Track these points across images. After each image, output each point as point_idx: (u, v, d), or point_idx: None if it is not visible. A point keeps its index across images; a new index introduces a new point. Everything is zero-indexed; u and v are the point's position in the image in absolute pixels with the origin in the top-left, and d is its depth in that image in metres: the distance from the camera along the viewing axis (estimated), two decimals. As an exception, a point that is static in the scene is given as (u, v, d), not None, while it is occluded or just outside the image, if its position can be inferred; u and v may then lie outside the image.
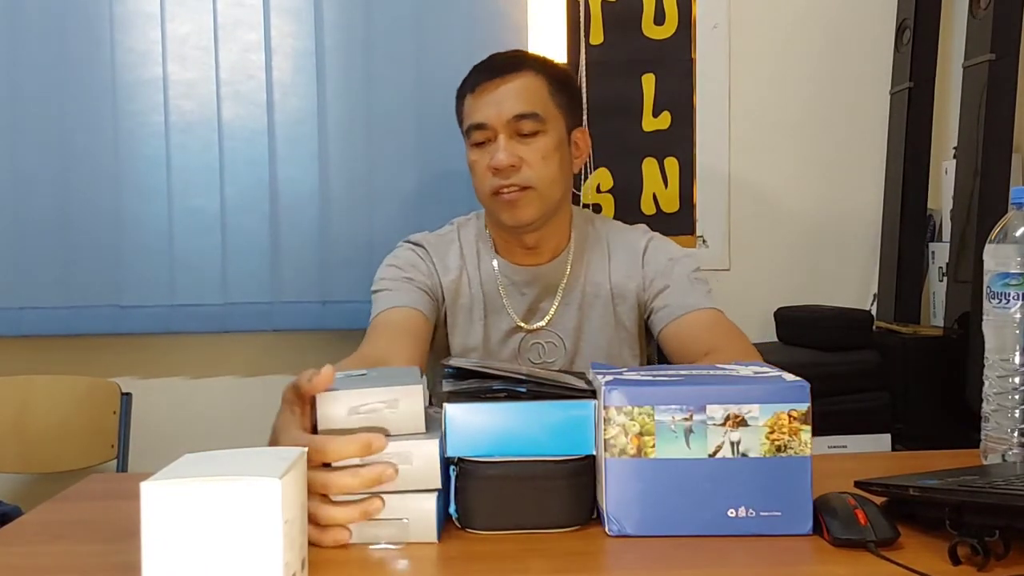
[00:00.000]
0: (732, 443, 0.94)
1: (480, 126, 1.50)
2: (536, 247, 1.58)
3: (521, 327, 1.58)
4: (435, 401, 1.04)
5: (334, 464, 0.90)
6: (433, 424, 0.99)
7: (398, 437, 0.94)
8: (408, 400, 0.96)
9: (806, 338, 2.28)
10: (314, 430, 0.94)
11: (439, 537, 0.96)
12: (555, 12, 2.45)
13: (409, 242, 1.64)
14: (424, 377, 1.08)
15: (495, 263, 1.60)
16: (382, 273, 1.60)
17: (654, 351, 1.73)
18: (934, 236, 2.51)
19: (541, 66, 1.54)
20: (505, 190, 1.48)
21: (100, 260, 2.26)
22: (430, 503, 0.95)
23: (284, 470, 0.73)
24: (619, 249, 1.61)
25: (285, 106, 2.30)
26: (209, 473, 0.76)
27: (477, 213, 1.67)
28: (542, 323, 1.58)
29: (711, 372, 1.04)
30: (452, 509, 0.97)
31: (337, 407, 0.95)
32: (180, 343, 2.34)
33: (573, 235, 1.61)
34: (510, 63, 1.53)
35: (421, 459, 0.94)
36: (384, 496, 0.93)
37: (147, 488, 0.71)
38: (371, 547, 0.94)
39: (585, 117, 2.43)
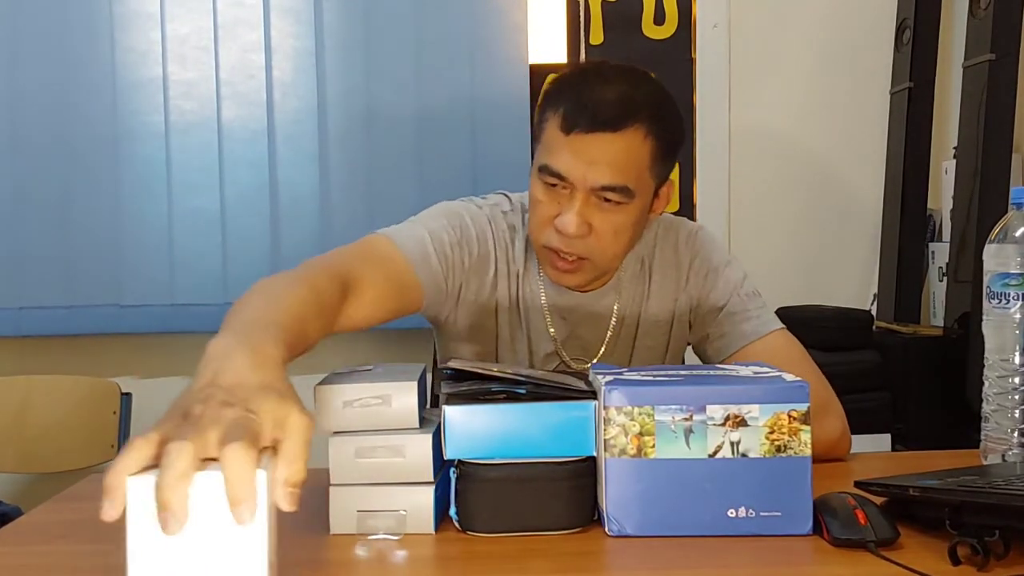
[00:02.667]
0: (732, 443, 0.94)
1: (559, 176, 1.24)
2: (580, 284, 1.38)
3: (560, 356, 1.39)
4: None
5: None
6: (427, 422, 1.00)
7: (392, 431, 0.97)
8: (401, 397, 0.97)
9: (806, 338, 2.23)
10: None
11: (436, 528, 0.97)
12: (555, 12, 2.45)
13: (482, 212, 1.39)
14: (427, 376, 1.09)
15: (542, 278, 1.38)
16: (433, 220, 1.35)
17: None
18: (934, 236, 2.51)
19: (653, 121, 1.24)
20: (562, 255, 1.28)
21: (100, 260, 2.27)
22: (426, 496, 0.96)
23: (266, 463, 0.73)
24: (658, 266, 1.41)
25: (285, 106, 2.30)
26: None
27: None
28: (588, 359, 1.40)
29: (711, 372, 1.04)
30: (452, 511, 0.97)
31: (333, 401, 0.97)
32: (180, 343, 2.34)
33: (625, 262, 1.40)
34: (618, 113, 1.22)
35: (414, 453, 0.96)
36: (382, 488, 0.96)
37: (133, 483, 0.70)
38: (370, 537, 0.95)
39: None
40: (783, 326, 1.38)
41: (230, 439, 0.69)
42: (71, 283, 2.26)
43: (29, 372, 2.18)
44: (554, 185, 1.26)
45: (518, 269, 1.39)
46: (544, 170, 1.26)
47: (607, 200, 1.24)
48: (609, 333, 1.40)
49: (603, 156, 1.22)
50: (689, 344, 1.46)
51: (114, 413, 2.12)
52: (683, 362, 1.51)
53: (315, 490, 1.05)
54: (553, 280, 1.34)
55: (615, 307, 1.40)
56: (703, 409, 0.94)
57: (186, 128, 2.28)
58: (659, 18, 2.46)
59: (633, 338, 1.42)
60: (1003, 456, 1.12)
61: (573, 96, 1.24)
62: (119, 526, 0.63)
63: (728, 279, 1.39)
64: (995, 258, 1.12)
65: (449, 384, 1.04)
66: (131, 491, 0.70)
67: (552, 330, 1.39)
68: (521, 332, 1.39)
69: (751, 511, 0.94)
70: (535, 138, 1.32)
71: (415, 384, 0.99)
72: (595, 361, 1.40)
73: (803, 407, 0.94)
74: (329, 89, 2.31)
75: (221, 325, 0.90)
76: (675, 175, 1.37)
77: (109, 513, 0.68)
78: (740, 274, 1.40)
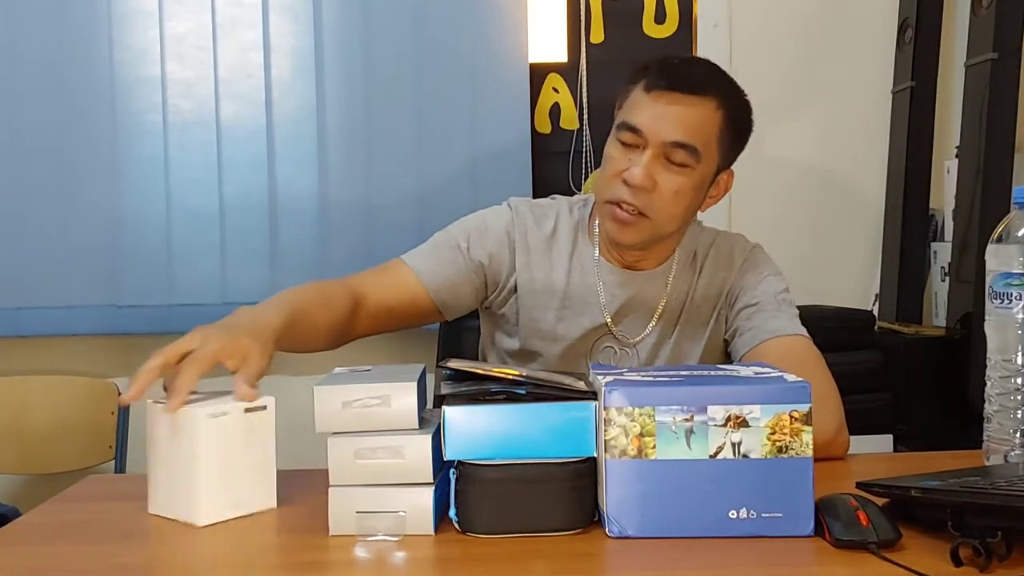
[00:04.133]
0: (733, 444, 0.93)
1: (634, 129, 1.36)
2: (635, 261, 1.48)
3: (609, 329, 1.48)
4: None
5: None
6: (427, 422, 1.00)
7: (391, 432, 0.97)
8: (400, 398, 0.98)
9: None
10: None
11: (436, 529, 0.96)
12: (555, 11, 2.45)
13: (508, 205, 1.52)
14: (427, 377, 1.09)
15: (594, 257, 1.49)
16: (458, 227, 1.49)
17: None
18: (936, 236, 2.50)
19: (727, 98, 1.41)
20: (623, 206, 1.37)
21: (98, 260, 2.26)
22: (426, 497, 0.96)
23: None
24: (709, 265, 1.51)
25: (284, 105, 2.30)
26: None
27: (584, 199, 1.55)
28: (632, 337, 1.49)
29: (712, 373, 1.04)
30: (452, 513, 0.97)
31: (332, 401, 0.98)
32: (179, 343, 2.34)
33: (677, 252, 1.50)
34: (697, 80, 1.38)
35: (413, 454, 0.96)
36: (381, 489, 0.96)
37: (152, 406, 1.07)
38: (369, 538, 0.95)
39: (586, 117, 2.42)
40: (808, 336, 1.45)
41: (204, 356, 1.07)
42: (69, 283, 2.26)
43: (27, 372, 2.18)
44: (627, 144, 1.37)
45: (568, 249, 1.50)
46: (622, 127, 1.38)
47: (673, 162, 1.36)
48: (655, 317, 1.49)
49: (678, 114, 1.36)
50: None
51: (112, 413, 2.12)
52: (723, 360, 1.57)
53: (315, 490, 1.04)
54: (610, 234, 1.42)
55: (665, 292, 1.49)
56: (704, 410, 0.93)
57: (184, 127, 2.28)
58: (660, 17, 2.45)
59: (675, 325, 1.50)
60: (1005, 457, 1.11)
61: (660, 65, 1.40)
62: (117, 527, 0.63)
63: (769, 283, 1.50)
64: (997, 258, 1.11)
65: (449, 384, 1.03)
66: (150, 412, 1.07)
67: (604, 303, 1.48)
68: (568, 307, 1.48)
69: (752, 512, 0.93)
70: (617, 105, 1.44)
71: (414, 385, 0.99)
72: (636, 344, 1.49)
73: (804, 408, 0.93)
74: (328, 88, 2.31)
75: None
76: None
77: (128, 394, 1.05)
78: (782, 285, 1.52)
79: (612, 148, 1.40)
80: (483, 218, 1.50)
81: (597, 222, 1.49)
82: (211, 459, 1.02)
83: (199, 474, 1.02)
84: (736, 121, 1.42)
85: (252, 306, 1.24)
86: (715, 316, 1.50)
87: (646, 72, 1.40)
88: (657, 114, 1.36)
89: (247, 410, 1.06)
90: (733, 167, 1.50)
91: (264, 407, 1.08)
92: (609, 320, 1.48)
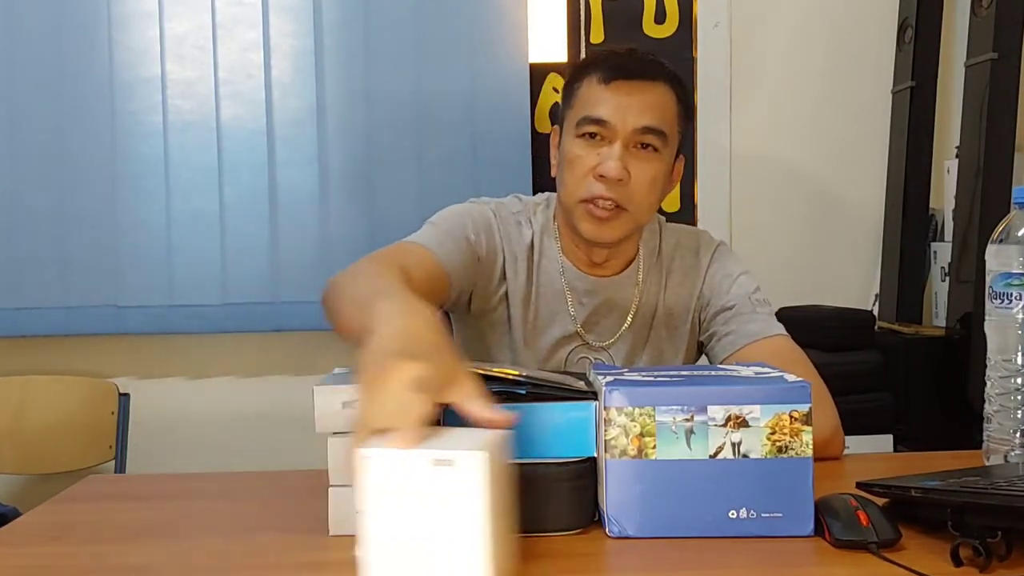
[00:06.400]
0: (733, 444, 0.93)
1: (601, 122, 1.34)
2: (604, 262, 1.46)
3: (581, 338, 1.46)
4: None
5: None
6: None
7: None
8: None
9: (807, 338, 2.24)
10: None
11: None
12: (555, 11, 2.45)
13: (486, 205, 1.47)
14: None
15: (560, 263, 1.46)
16: (461, 217, 1.42)
17: None
18: (936, 236, 2.50)
19: (674, 81, 1.40)
20: (601, 202, 1.34)
21: (98, 260, 2.26)
22: None
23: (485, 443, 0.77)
24: (677, 266, 1.50)
25: (284, 106, 2.30)
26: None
27: (546, 199, 1.51)
28: (604, 342, 1.46)
29: (712, 373, 1.04)
30: (451, 511, 0.96)
31: (331, 402, 0.96)
32: (178, 343, 2.34)
33: (641, 250, 1.48)
34: (650, 68, 1.38)
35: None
36: None
37: (371, 454, 0.77)
38: None
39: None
40: (787, 333, 1.45)
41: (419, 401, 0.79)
42: (69, 283, 2.26)
43: (27, 373, 2.18)
44: (593, 136, 1.35)
45: (534, 256, 1.46)
46: (585, 121, 1.35)
47: (644, 147, 1.35)
48: (627, 321, 1.47)
49: (644, 100, 1.35)
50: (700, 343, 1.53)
51: (112, 413, 2.12)
52: (695, 362, 1.57)
53: (314, 491, 1.04)
54: (588, 235, 1.39)
55: (635, 296, 1.47)
56: (704, 410, 0.93)
57: (184, 127, 2.28)
58: (660, 17, 2.45)
59: (649, 328, 1.49)
60: (1005, 457, 1.11)
61: (609, 57, 1.39)
62: (117, 528, 0.63)
63: (742, 284, 1.47)
64: (997, 258, 1.11)
65: (448, 384, 1.03)
66: (370, 462, 0.77)
67: (573, 311, 1.45)
68: (538, 317, 1.46)
69: (752, 512, 0.93)
70: (566, 105, 1.42)
71: None
72: (608, 347, 1.47)
73: (804, 408, 0.93)
74: (328, 88, 2.31)
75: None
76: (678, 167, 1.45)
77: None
78: (754, 284, 1.49)
79: (575, 147, 1.37)
80: (482, 215, 1.44)
81: (558, 225, 1.46)
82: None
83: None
84: (684, 102, 1.41)
85: (389, 309, 0.94)
86: (690, 319, 1.49)
87: (595, 67, 1.38)
88: (622, 104, 1.34)
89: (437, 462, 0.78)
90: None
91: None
92: (580, 328, 1.45)
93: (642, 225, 1.42)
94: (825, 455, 1.23)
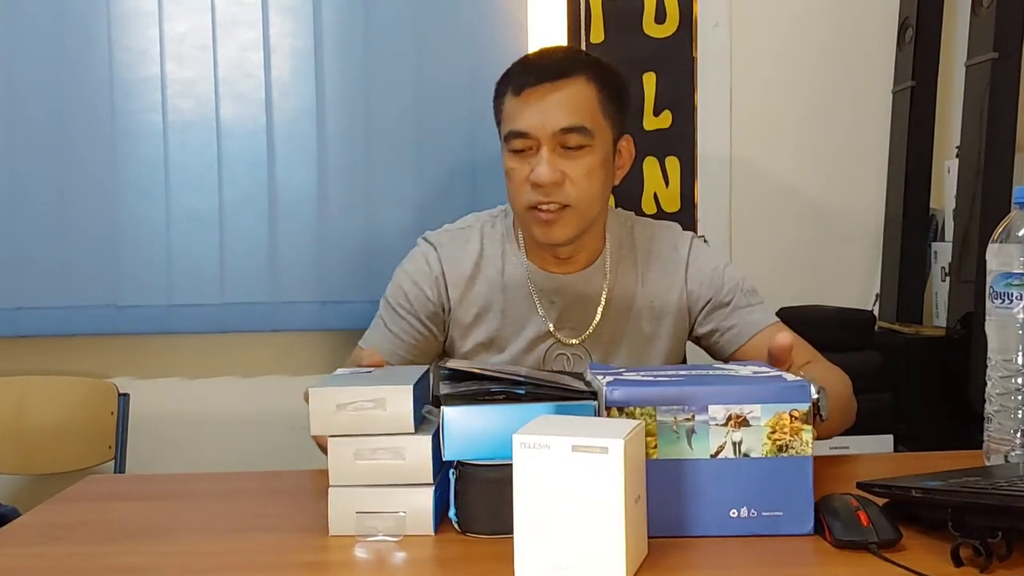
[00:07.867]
0: (734, 443, 0.93)
1: (522, 134, 1.38)
2: (570, 258, 1.48)
3: (555, 336, 1.48)
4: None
5: None
6: (428, 422, 1.00)
7: (391, 434, 0.96)
8: (396, 400, 0.97)
9: (808, 339, 2.26)
10: None
11: (436, 530, 0.97)
12: (555, 11, 2.45)
13: (427, 241, 1.54)
14: (429, 377, 1.08)
15: (525, 267, 1.49)
16: (391, 292, 1.51)
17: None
18: (936, 236, 2.50)
19: (593, 71, 1.41)
20: (543, 206, 1.38)
21: (97, 260, 2.26)
22: (426, 497, 0.96)
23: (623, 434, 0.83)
24: (655, 258, 1.51)
25: (284, 105, 2.30)
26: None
27: (504, 210, 1.55)
28: (578, 338, 1.48)
29: (712, 372, 1.04)
30: (452, 513, 0.97)
31: (326, 404, 0.96)
32: (178, 343, 2.34)
33: (608, 242, 1.50)
34: (561, 66, 1.40)
35: (413, 454, 0.96)
36: (381, 490, 0.96)
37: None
38: (369, 538, 0.95)
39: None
40: (778, 319, 1.51)
41: None
42: (68, 283, 2.25)
43: (26, 373, 2.18)
44: (521, 150, 1.39)
45: (497, 264, 1.50)
46: (509, 136, 1.40)
47: (570, 147, 1.37)
48: (599, 315, 1.49)
49: (555, 103, 1.37)
50: (691, 340, 1.55)
51: (112, 413, 2.11)
52: (684, 359, 1.59)
53: (314, 491, 1.04)
54: (541, 239, 1.43)
55: (604, 289, 1.49)
56: (705, 409, 0.93)
57: (184, 127, 2.27)
58: (660, 16, 2.45)
59: (625, 321, 1.50)
60: (1006, 457, 1.11)
61: (518, 67, 1.44)
62: (117, 527, 0.63)
63: (731, 277, 1.51)
64: (998, 258, 1.11)
65: (448, 384, 1.03)
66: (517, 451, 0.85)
67: (542, 312, 1.48)
68: (508, 322, 1.49)
69: (753, 511, 0.93)
70: (497, 123, 1.48)
71: (410, 388, 0.97)
72: (583, 341, 1.49)
73: (804, 407, 0.93)
74: (328, 88, 2.31)
75: None
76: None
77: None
78: (740, 274, 1.52)
79: (509, 161, 1.42)
80: (407, 273, 1.51)
81: (520, 232, 1.50)
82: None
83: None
84: (610, 87, 1.42)
85: None
86: (675, 311, 1.50)
87: (509, 80, 1.43)
88: (537, 110, 1.37)
89: None
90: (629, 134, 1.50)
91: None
92: (552, 327, 1.48)
93: (592, 217, 1.44)
94: (847, 414, 1.32)
